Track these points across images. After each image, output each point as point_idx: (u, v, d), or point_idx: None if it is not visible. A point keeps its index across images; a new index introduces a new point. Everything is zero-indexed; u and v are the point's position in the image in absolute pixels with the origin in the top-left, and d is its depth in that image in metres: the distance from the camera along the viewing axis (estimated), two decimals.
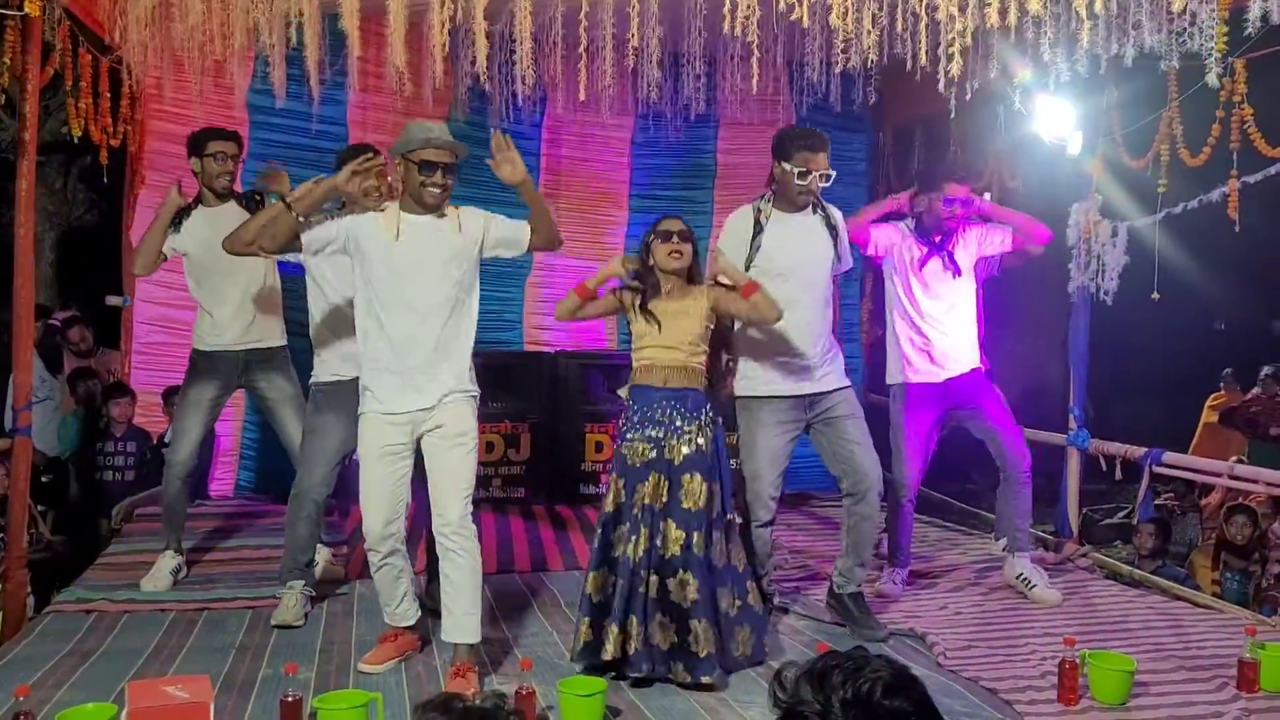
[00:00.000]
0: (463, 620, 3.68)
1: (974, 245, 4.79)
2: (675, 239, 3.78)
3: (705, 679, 3.57)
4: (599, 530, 3.77)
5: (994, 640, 4.15)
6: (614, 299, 3.90)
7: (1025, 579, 4.75)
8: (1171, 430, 9.74)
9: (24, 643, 4.04)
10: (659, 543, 3.64)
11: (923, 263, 4.71)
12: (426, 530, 3.99)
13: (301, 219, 3.66)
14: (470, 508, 3.73)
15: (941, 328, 4.73)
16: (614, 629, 3.60)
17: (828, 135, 4.18)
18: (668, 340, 3.77)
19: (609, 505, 3.76)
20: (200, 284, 4.78)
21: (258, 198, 4.79)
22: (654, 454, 3.69)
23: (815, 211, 4.23)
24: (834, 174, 4.14)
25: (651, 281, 3.84)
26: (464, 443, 3.76)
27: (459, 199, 3.92)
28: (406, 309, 3.69)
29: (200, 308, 4.84)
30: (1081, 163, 5.67)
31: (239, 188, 4.94)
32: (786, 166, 4.09)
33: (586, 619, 3.70)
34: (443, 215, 3.77)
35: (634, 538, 3.64)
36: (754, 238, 4.12)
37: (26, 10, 3.81)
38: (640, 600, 3.61)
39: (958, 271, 4.71)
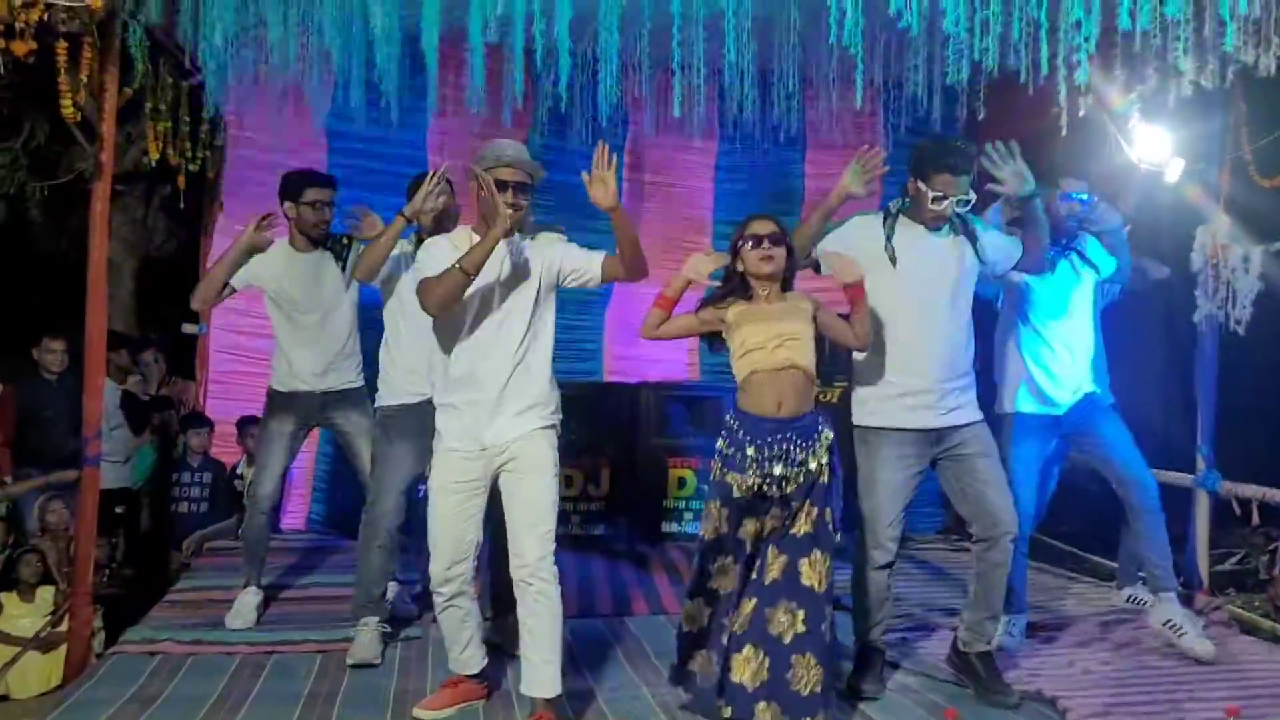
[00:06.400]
0: (541, 670, 3.41)
1: (1095, 250, 4.42)
2: (766, 243, 3.42)
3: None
4: (696, 557, 3.51)
5: (1134, 705, 3.72)
6: (693, 320, 3.52)
7: (1175, 626, 4.26)
8: None
9: (85, 686, 3.84)
10: (770, 572, 3.38)
11: (1051, 266, 4.26)
12: (491, 573, 3.83)
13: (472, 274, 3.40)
14: (550, 548, 3.46)
15: (1065, 344, 4.33)
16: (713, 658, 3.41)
17: (974, 151, 3.77)
18: (775, 345, 3.36)
19: (708, 533, 3.43)
20: (287, 325, 4.65)
21: (345, 241, 4.63)
22: (769, 488, 3.34)
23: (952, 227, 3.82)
24: (973, 197, 3.73)
25: (741, 286, 3.48)
26: (540, 477, 3.47)
27: (541, 224, 3.69)
28: (476, 338, 3.47)
29: (279, 347, 4.70)
30: (1192, 187, 5.27)
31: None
32: (922, 187, 3.71)
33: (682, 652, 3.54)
34: (513, 238, 3.52)
35: (742, 569, 3.42)
36: (883, 241, 3.72)
37: (89, 2, 3.60)
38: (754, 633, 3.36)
39: (1094, 267, 4.36)
